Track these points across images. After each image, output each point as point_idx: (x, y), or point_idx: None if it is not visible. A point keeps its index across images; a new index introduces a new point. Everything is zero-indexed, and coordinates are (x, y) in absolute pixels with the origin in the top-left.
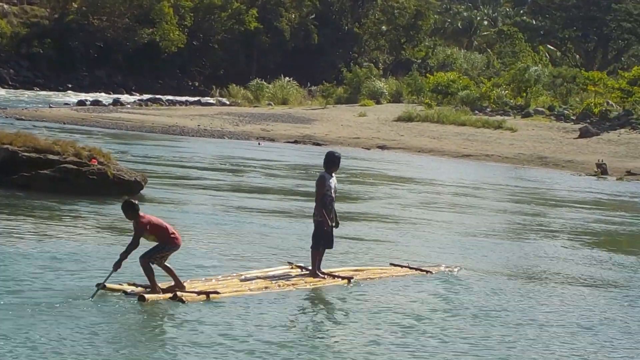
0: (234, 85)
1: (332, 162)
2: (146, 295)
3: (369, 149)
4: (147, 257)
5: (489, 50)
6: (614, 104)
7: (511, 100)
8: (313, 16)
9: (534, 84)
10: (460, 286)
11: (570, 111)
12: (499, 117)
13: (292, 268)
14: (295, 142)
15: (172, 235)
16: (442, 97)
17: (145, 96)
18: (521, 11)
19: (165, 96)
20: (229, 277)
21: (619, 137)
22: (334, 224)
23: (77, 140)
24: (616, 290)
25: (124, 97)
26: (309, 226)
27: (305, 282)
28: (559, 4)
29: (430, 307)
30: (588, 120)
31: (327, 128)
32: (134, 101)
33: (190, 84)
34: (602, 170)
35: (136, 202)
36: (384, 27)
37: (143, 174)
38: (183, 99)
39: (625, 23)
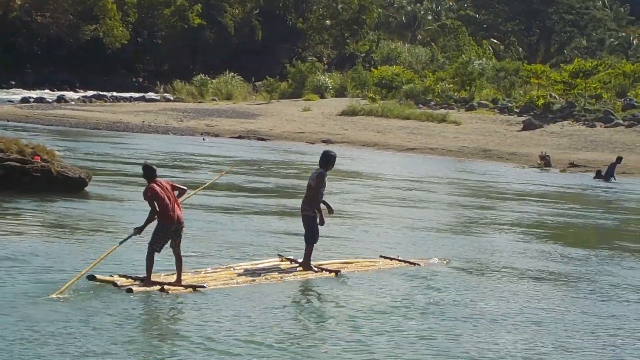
0: (178, 81)
1: (328, 160)
2: (134, 288)
3: (313, 144)
4: (150, 244)
5: (432, 44)
6: (557, 96)
7: (455, 94)
8: (257, 12)
9: (478, 78)
10: (444, 280)
11: (514, 104)
12: (443, 111)
13: (282, 261)
14: (240, 137)
15: (169, 213)
16: (386, 91)
17: (90, 93)
18: (465, 5)
19: (109, 93)
20: (218, 270)
21: (562, 129)
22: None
23: (20, 138)
24: (569, 283)
25: (69, 94)
26: (256, 222)
27: (294, 275)
28: None
29: (401, 299)
30: (531, 113)
31: (271, 123)
32: (78, 98)
33: (134, 80)
34: (545, 162)
35: (154, 166)
36: (327, 21)
37: (87, 171)
38: (127, 95)
39: (567, 15)
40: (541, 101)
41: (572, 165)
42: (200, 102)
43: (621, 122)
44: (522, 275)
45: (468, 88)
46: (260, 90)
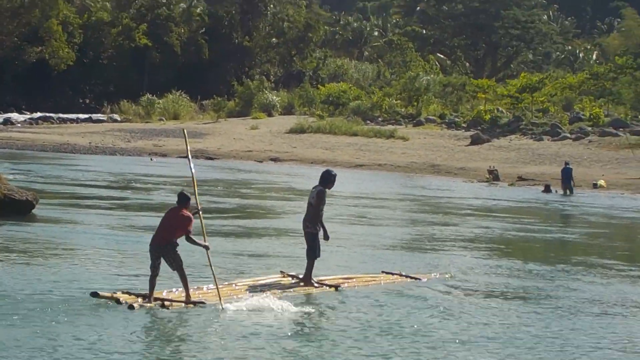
0: (125, 101)
1: (328, 179)
2: (135, 305)
3: (261, 162)
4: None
5: (379, 60)
6: (504, 111)
7: (402, 110)
8: (203, 30)
9: (425, 93)
10: (446, 293)
11: (461, 119)
12: (390, 127)
13: (283, 277)
14: None
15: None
16: (334, 108)
17: (36, 115)
18: (411, 21)
19: (56, 114)
20: (220, 286)
21: (509, 143)
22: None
23: None
24: (530, 299)
25: (15, 116)
26: (215, 243)
27: (295, 290)
28: (448, 13)
29: (393, 314)
30: (479, 127)
31: (219, 142)
32: (25, 120)
33: (81, 101)
34: (493, 177)
35: (183, 194)
36: (274, 40)
37: (34, 193)
38: (74, 116)
39: (513, 30)
40: (488, 115)
41: (520, 178)
42: (147, 122)
43: (568, 135)
44: (487, 292)
45: (415, 104)
46: (208, 109)
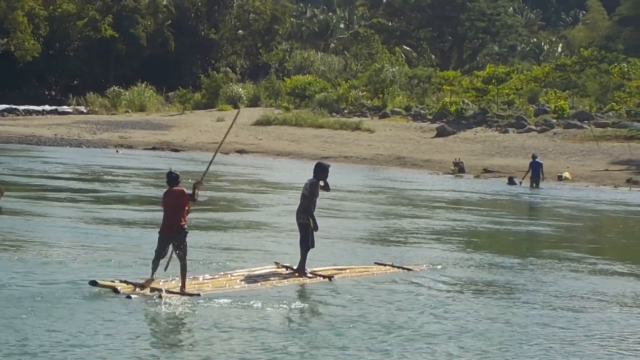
0: (91, 93)
1: (321, 171)
2: (132, 295)
3: (227, 154)
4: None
5: (345, 52)
6: (469, 103)
7: (368, 102)
8: (169, 23)
9: (390, 85)
10: (436, 282)
11: (427, 111)
12: (356, 119)
13: (278, 267)
14: (154, 148)
15: (163, 220)
16: (300, 100)
17: (1, 106)
18: (377, 13)
19: (21, 106)
20: (216, 276)
21: (475, 135)
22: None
23: None
24: (502, 293)
25: None
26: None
27: (287, 281)
28: (414, 5)
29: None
30: (444, 120)
31: (185, 134)
32: None
33: (47, 93)
34: (459, 169)
35: (172, 174)
36: (240, 32)
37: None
38: (40, 108)
39: (479, 22)
40: (454, 108)
41: (486, 171)
42: (113, 114)
43: (533, 127)
44: (461, 285)
45: (381, 96)
46: (174, 101)
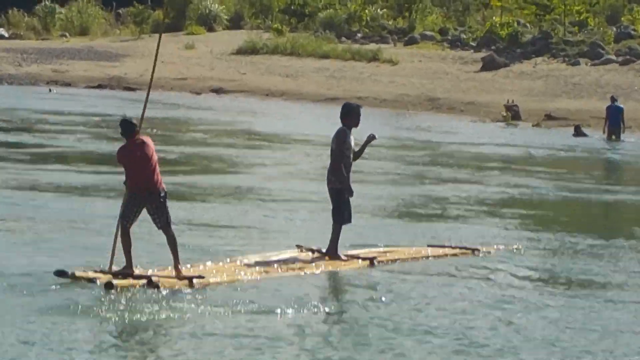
0: (15, 10)
1: (346, 112)
2: (114, 282)
3: (199, 94)
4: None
5: None
6: (527, 24)
7: (390, 22)
8: None
9: (420, 0)
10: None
11: (469, 35)
12: (374, 46)
13: (301, 252)
14: (100, 86)
15: (130, 179)
16: (297, 20)
17: None
18: None
19: None
20: (221, 263)
21: (534, 68)
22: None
23: None
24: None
25: None
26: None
27: (316, 266)
28: None
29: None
30: (493, 47)
31: (142, 66)
32: None
33: None
34: (512, 114)
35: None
36: None
37: None
38: None
39: None
40: (506, 31)
41: (549, 117)
42: (44, 39)
43: (613, 57)
44: (547, 276)
45: (407, 14)
46: (126, 22)
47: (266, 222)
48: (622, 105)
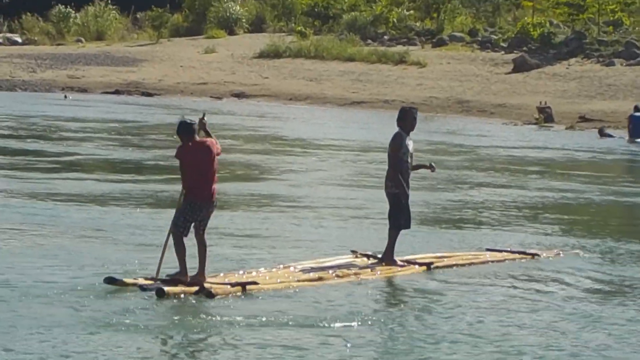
0: (29, 15)
1: (402, 116)
2: (166, 289)
3: (220, 99)
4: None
5: None
6: (560, 24)
7: (417, 24)
8: None
9: (449, 0)
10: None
11: (500, 36)
12: (401, 48)
13: (356, 257)
14: (117, 92)
15: (189, 186)
16: (321, 22)
17: None
18: None
19: None
20: (274, 270)
21: (567, 69)
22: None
23: None
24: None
25: None
26: (145, 215)
27: (372, 271)
28: None
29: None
30: (525, 48)
31: (160, 71)
32: None
33: None
34: (545, 116)
35: (187, 122)
36: None
37: None
38: None
39: None
40: (538, 31)
41: (583, 119)
42: (59, 44)
43: None
44: (587, 285)
45: (435, 15)
46: (145, 26)
47: (294, 231)
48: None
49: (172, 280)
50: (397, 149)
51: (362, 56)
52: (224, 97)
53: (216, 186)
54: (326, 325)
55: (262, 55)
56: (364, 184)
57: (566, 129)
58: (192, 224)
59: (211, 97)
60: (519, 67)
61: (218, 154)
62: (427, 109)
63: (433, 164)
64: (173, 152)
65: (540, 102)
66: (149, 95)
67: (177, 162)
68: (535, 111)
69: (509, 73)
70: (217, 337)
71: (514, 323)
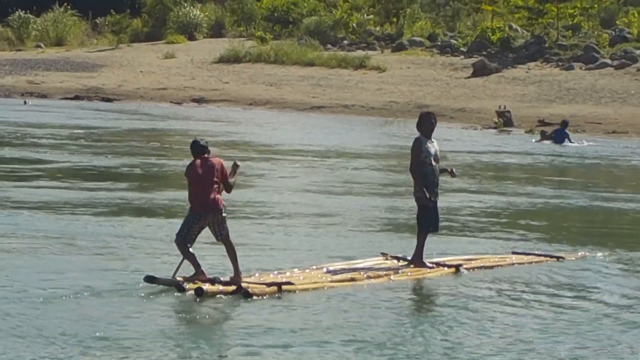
0: None
1: (421, 121)
2: (204, 288)
3: (180, 104)
4: (177, 235)
5: None
6: (519, 29)
7: (377, 29)
8: None
9: (408, 5)
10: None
11: (460, 41)
12: (360, 53)
13: (386, 259)
14: (77, 97)
15: (192, 199)
16: (281, 27)
17: None
18: None
19: None
20: (307, 270)
21: (527, 73)
22: (433, 198)
23: None
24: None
25: None
26: (114, 225)
27: (402, 273)
28: None
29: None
30: (484, 52)
31: (120, 76)
32: None
33: None
34: (505, 121)
35: (199, 142)
36: None
37: None
38: None
39: None
40: (497, 35)
41: (542, 123)
42: (19, 49)
43: (608, 61)
44: (613, 287)
45: (395, 20)
46: (104, 31)
47: (265, 240)
48: (569, 132)
49: (210, 281)
50: (417, 154)
51: (322, 61)
52: (183, 102)
53: (220, 197)
54: (354, 326)
55: (222, 60)
56: (332, 189)
57: (526, 132)
58: (198, 234)
59: (171, 102)
60: (479, 71)
61: (224, 177)
62: (387, 113)
63: (454, 169)
64: (135, 158)
65: (500, 106)
66: (109, 100)
67: (139, 169)
68: (495, 115)
69: (469, 77)
70: (254, 340)
71: (546, 328)
